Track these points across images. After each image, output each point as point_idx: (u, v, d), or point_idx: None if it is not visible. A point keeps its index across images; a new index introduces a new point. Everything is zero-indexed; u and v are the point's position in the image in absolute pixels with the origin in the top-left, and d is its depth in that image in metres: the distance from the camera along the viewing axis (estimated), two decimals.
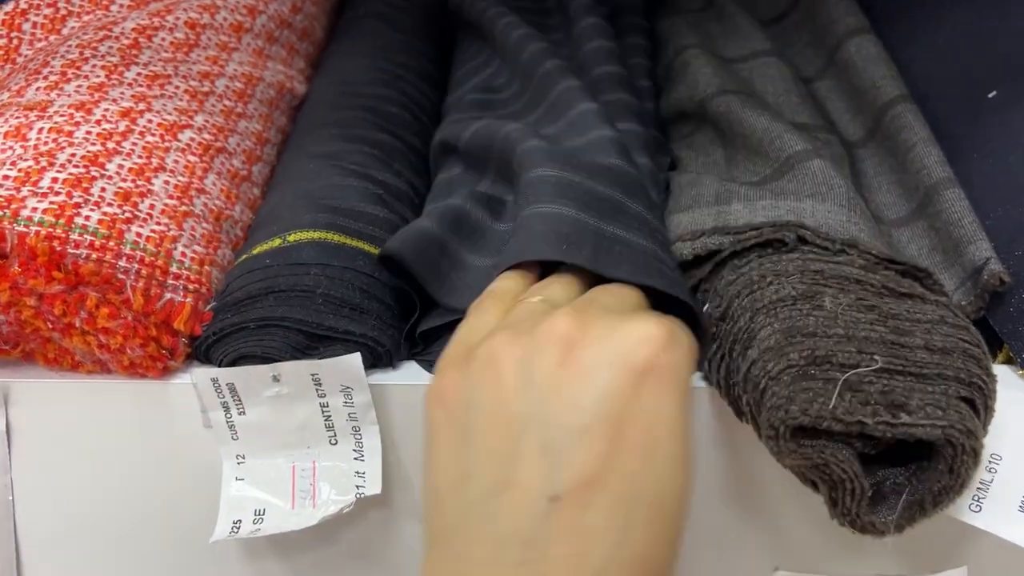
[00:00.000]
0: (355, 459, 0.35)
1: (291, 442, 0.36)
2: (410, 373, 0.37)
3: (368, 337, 0.36)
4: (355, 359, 0.34)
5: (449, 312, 0.36)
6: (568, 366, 0.24)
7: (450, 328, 0.37)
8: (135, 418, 0.36)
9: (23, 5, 0.48)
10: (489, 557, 0.22)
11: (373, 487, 0.35)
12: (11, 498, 0.37)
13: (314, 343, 0.36)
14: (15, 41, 0.48)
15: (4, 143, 0.39)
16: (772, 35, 0.59)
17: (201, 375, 0.34)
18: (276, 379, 0.34)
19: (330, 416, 0.35)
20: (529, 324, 0.26)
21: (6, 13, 0.48)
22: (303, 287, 0.36)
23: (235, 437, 0.35)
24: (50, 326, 0.34)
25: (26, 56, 0.48)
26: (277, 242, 0.38)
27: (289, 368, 0.34)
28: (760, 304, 0.33)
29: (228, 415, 0.35)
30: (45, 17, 0.48)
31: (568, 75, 0.46)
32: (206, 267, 0.39)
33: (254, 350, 0.35)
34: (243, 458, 0.36)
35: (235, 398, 0.35)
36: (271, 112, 0.50)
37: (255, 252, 0.38)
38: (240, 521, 0.35)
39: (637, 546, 0.22)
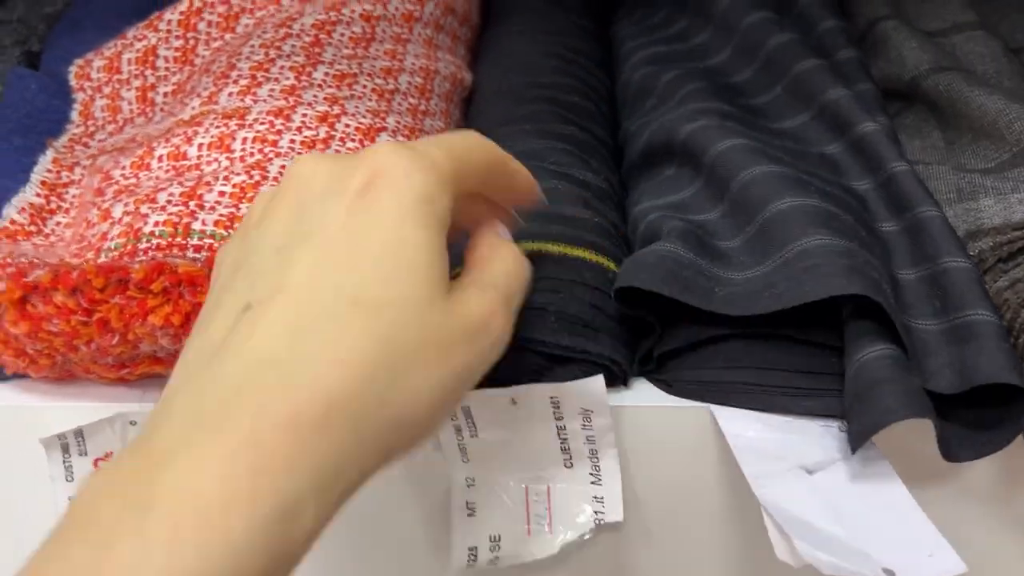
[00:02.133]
0: (592, 483, 0.34)
1: (524, 465, 0.34)
2: (644, 394, 0.35)
3: (605, 356, 0.34)
4: (598, 382, 0.32)
5: (690, 333, 0.34)
6: (284, 197, 0.25)
7: (689, 348, 0.35)
8: None
9: (197, 4, 0.47)
10: (194, 360, 0.23)
11: (613, 513, 0.33)
12: None
13: (549, 363, 0.34)
14: (191, 42, 0.47)
15: (209, 155, 0.38)
16: None
17: None
18: (514, 402, 0.33)
19: (567, 439, 0.33)
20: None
21: (181, 13, 0.47)
22: (536, 305, 0.34)
23: (466, 460, 0.34)
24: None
25: (203, 57, 0.46)
26: None
27: (528, 392, 0.32)
28: None
29: (460, 437, 0.33)
30: (219, 15, 0.47)
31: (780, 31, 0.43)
32: None
33: (490, 373, 0.33)
34: (473, 481, 0.34)
35: (468, 420, 0.33)
36: (448, 107, 0.48)
37: None
38: (476, 548, 0.33)
39: (342, 343, 0.22)
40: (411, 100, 0.45)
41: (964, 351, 0.31)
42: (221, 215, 0.35)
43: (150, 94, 0.46)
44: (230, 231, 0.34)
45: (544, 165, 0.41)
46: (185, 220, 0.34)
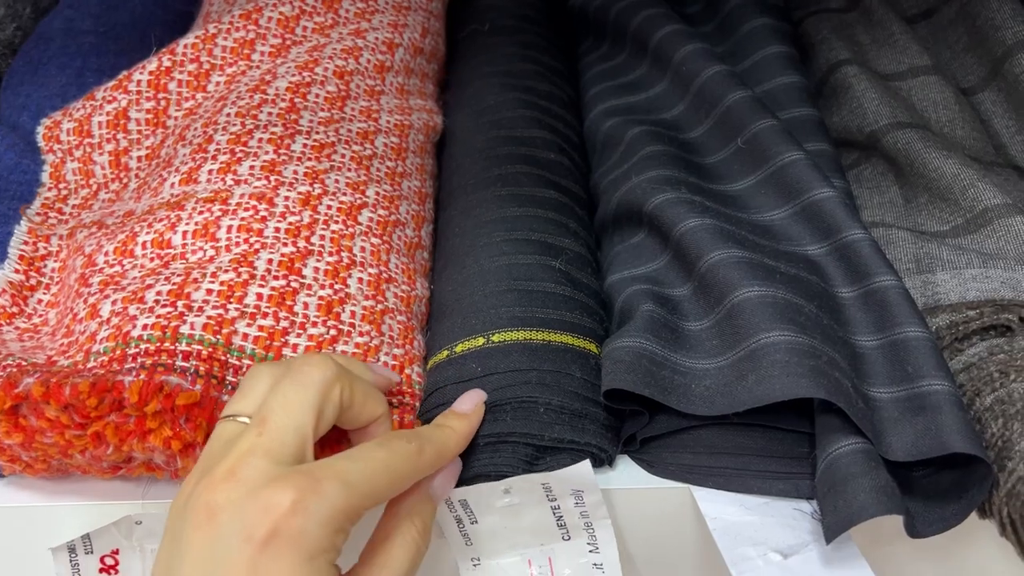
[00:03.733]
0: (590, 552, 0.36)
1: (525, 541, 0.36)
2: (627, 474, 0.37)
3: (592, 445, 0.35)
4: (585, 467, 0.34)
5: (669, 422, 0.36)
6: (204, 529, 0.26)
7: (668, 434, 0.37)
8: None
9: (166, 63, 0.46)
10: None
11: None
12: None
13: (540, 453, 0.35)
14: (163, 102, 0.46)
15: (194, 243, 0.38)
16: (924, 35, 0.56)
17: None
18: (507, 492, 0.34)
19: (562, 516, 0.35)
20: (199, 475, 0.28)
21: (151, 74, 0.46)
22: (525, 398, 0.35)
23: (468, 543, 0.36)
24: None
25: (176, 118, 0.46)
26: (480, 341, 0.38)
27: (520, 482, 0.34)
28: (1013, 410, 0.33)
29: (461, 526, 0.35)
30: (189, 74, 0.47)
31: (736, 84, 0.44)
32: (406, 370, 0.38)
33: (487, 469, 0.35)
34: (478, 560, 0.36)
35: (467, 511, 0.35)
36: (423, 161, 0.49)
37: (458, 350, 0.38)
38: None
39: None
40: (388, 164, 0.45)
41: (925, 420, 0.33)
42: (209, 317, 0.35)
43: (123, 158, 0.46)
44: (218, 336, 0.35)
45: (521, 236, 0.42)
46: (173, 324, 0.35)
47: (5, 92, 0.53)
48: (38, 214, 0.45)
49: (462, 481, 0.35)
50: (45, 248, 0.43)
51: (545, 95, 0.53)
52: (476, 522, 0.35)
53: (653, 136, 0.47)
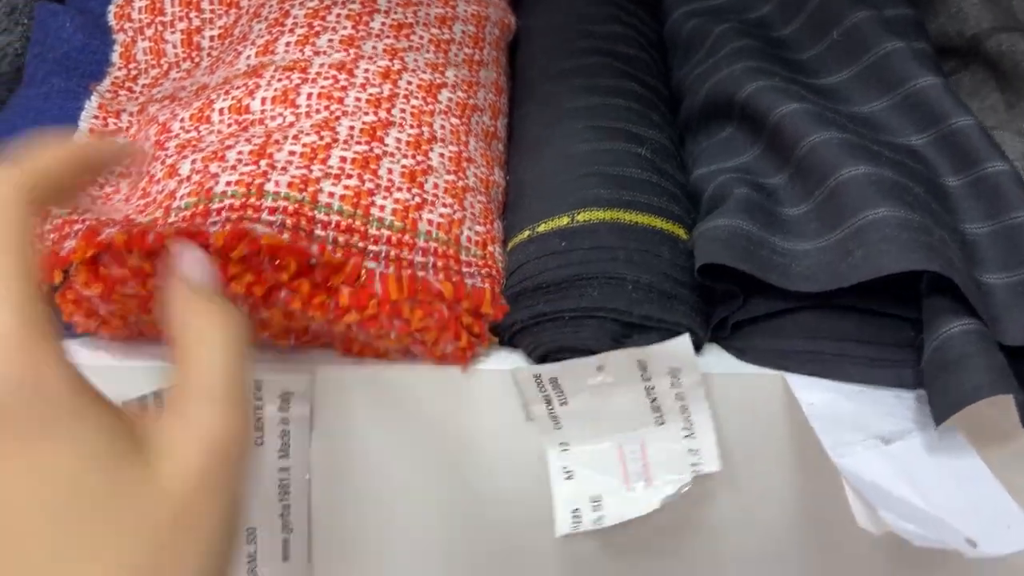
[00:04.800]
0: (685, 437, 0.34)
1: (616, 426, 0.35)
2: (717, 360, 0.35)
3: (682, 325, 0.34)
4: (684, 342, 0.32)
5: (765, 304, 0.34)
6: None
7: (763, 318, 0.35)
8: (437, 404, 0.35)
9: None
10: None
11: (710, 463, 0.34)
12: (308, 477, 0.36)
13: (628, 332, 0.34)
14: None
15: (273, 109, 0.37)
16: None
17: (524, 373, 0.33)
18: (600, 369, 0.33)
19: (656, 399, 0.34)
20: None
21: None
22: (613, 274, 0.34)
23: (558, 427, 0.34)
24: (362, 335, 0.33)
25: None
26: (565, 220, 0.36)
27: (615, 358, 0.33)
28: None
29: (550, 407, 0.34)
30: None
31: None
32: (489, 247, 0.37)
33: (572, 342, 0.33)
34: (567, 446, 0.35)
35: (557, 390, 0.33)
36: (499, 55, 0.47)
37: (540, 230, 0.36)
38: (579, 510, 0.34)
39: None
40: (466, 50, 0.44)
41: None
42: (293, 176, 0.34)
43: (195, 38, 0.45)
44: (304, 193, 0.34)
45: (602, 124, 0.41)
46: (258, 181, 0.34)
47: None
48: (108, 91, 0.44)
49: (546, 356, 0.34)
50: (115, 124, 0.42)
51: None
52: (566, 403, 0.34)
53: (741, 32, 0.45)
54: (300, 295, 0.31)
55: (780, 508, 0.37)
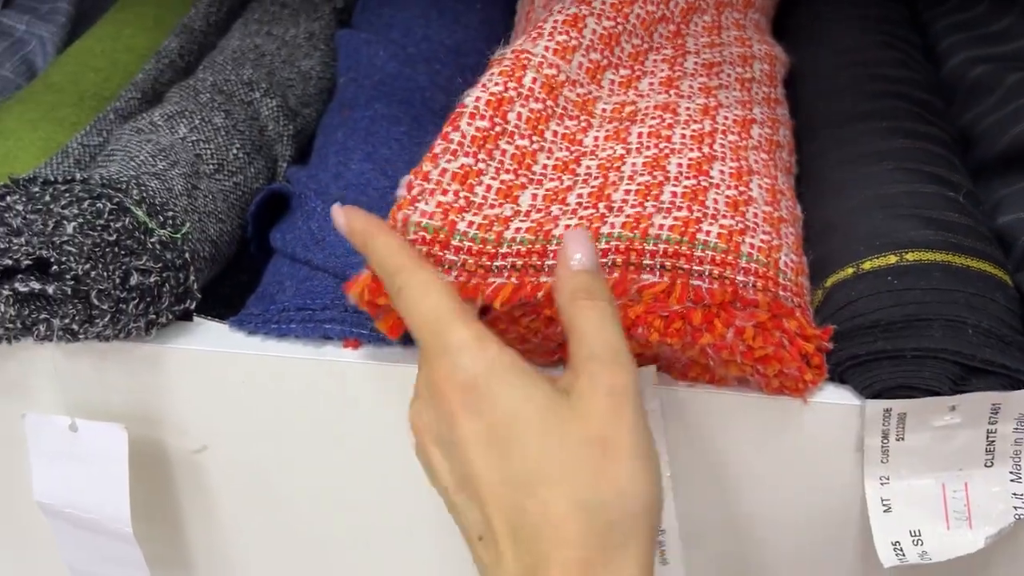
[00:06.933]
0: (1012, 481, 0.35)
1: (943, 464, 0.35)
2: None
3: (1022, 371, 0.34)
4: None
5: None
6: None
7: None
8: (769, 433, 0.37)
9: None
10: None
11: None
12: (668, 474, 0.38)
13: (967, 375, 0.35)
14: None
15: (605, 145, 0.40)
16: None
17: (875, 406, 0.34)
18: (952, 409, 0.34)
19: (993, 441, 0.34)
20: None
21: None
22: (953, 317, 0.34)
23: (884, 460, 0.35)
24: (712, 361, 0.35)
25: None
26: (893, 259, 0.37)
27: (970, 400, 0.33)
28: None
29: (885, 441, 0.35)
30: None
31: None
32: (799, 277, 0.38)
33: (913, 381, 0.34)
34: (887, 479, 0.36)
35: (900, 426, 0.34)
36: (785, 93, 0.49)
37: (866, 267, 0.38)
38: (899, 543, 0.35)
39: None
40: (764, 88, 0.46)
41: None
42: (628, 215, 0.36)
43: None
44: (635, 231, 0.35)
45: (908, 166, 0.42)
46: (595, 224, 0.36)
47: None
48: None
49: (881, 393, 0.35)
50: None
51: (903, 39, 0.51)
52: (902, 439, 0.35)
53: None
54: (655, 327, 0.33)
55: None
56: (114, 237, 0.37)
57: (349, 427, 0.40)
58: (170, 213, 0.39)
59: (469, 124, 0.38)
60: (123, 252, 0.37)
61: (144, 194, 0.39)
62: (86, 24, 0.60)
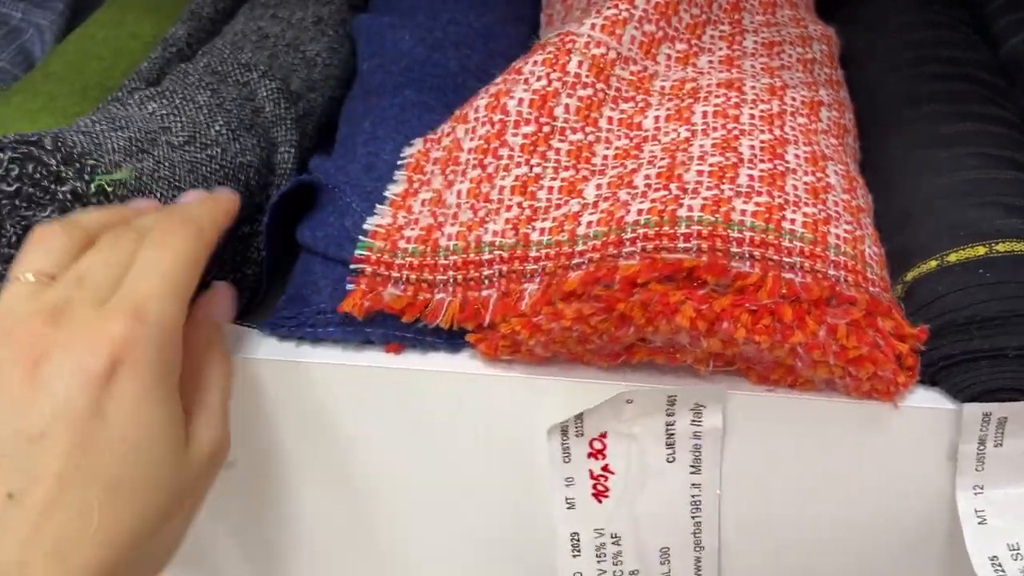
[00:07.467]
0: None
1: None
2: None
3: None
4: None
5: None
6: (31, 381, 0.26)
7: None
8: (854, 440, 0.34)
9: None
10: None
11: None
12: (718, 492, 0.35)
13: None
14: None
15: (667, 126, 0.37)
16: None
17: (974, 410, 0.31)
18: None
19: None
20: (10, 323, 0.27)
21: None
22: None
23: (980, 468, 0.33)
24: (800, 361, 0.32)
25: None
26: (982, 251, 0.34)
27: None
28: None
29: (981, 447, 0.32)
30: None
31: None
32: (884, 271, 0.36)
33: (1015, 383, 0.31)
34: (981, 489, 0.33)
35: (998, 431, 0.32)
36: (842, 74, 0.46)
37: (951, 260, 0.35)
38: (997, 557, 0.33)
39: (101, 528, 0.25)
40: (826, 70, 0.43)
41: None
42: (705, 199, 0.33)
43: None
44: (717, 215, 0.32)
45: (986, 151, 0.39)
46: (671, 207, 0.33)
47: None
48: None
49: (978, 396, 0.32)
50: None
51: (958, 18, 0.49)
52: (1000, 445, 0.32)
53: None
54: (743, 322, 0.30)
55: None
56: (13, 188, 0.33)
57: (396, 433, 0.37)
58: (91, 162, 0.35)
59: (515, 134, 0.36)
60: (23, 205, 0.34)
61: (60, 145, 0.34)
62: (85, 12, 0.57)
